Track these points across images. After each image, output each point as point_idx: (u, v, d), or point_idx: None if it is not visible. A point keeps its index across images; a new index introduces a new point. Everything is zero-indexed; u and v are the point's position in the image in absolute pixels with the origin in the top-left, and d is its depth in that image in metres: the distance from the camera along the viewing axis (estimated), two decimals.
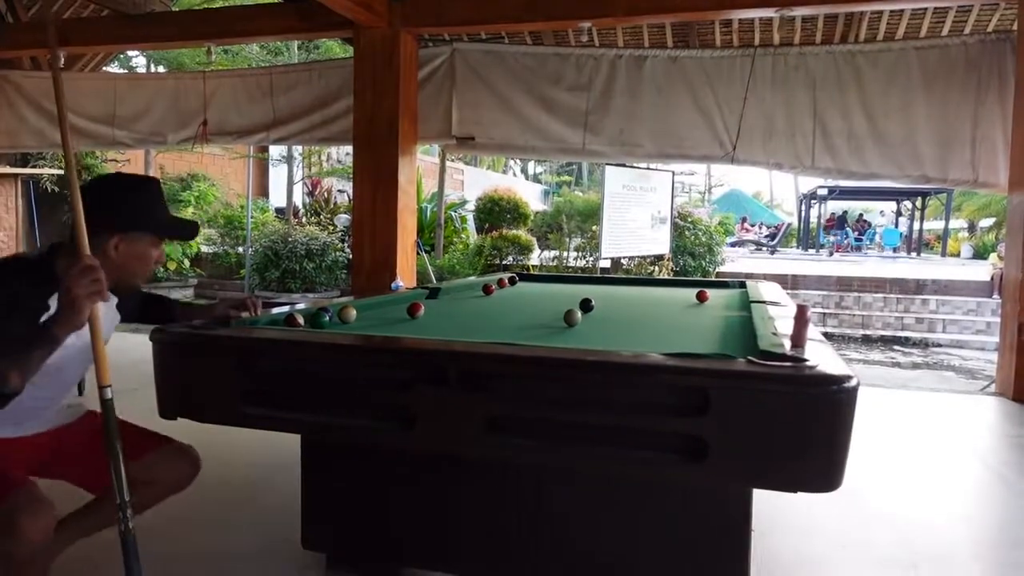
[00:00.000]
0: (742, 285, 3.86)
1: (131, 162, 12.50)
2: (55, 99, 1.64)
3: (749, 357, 1.63)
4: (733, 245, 19.60)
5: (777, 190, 39.76)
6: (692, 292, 3.42)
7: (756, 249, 21.08)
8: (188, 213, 12.87)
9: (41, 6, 7.29)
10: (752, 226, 24.27)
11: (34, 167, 11.37)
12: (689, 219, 11.72)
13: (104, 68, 9.11)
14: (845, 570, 2.47)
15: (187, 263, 11.53)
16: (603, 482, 2.00)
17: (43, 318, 1.62)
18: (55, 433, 1.93)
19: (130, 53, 15.33)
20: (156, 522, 2.11)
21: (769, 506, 2.50)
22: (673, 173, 10.80)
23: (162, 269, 10.79)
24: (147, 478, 1.90)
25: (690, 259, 11.15)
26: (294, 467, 2.29)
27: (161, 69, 13.72)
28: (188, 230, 1.95)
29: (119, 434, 1.60)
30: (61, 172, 11.63)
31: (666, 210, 10.50)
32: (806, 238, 22.81)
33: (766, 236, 22.56)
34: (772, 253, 19.80)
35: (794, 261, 15.63)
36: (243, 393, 1.88)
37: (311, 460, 2.28)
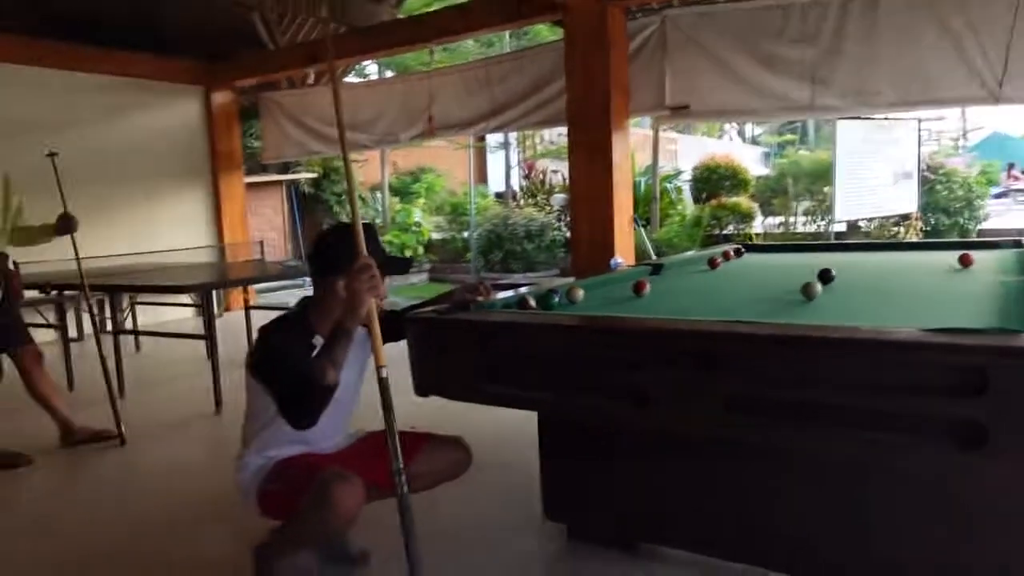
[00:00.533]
0: (1017, 244, 3.34)
1: (369, 161, 13.81)
2: (335, 110, 1.90)
3: None
4: (998, 196, 16.94)
5: None
6: (952, 256, 3.02)
7: None
8: (419, 204, 13.92)
9: (291, 33, 8.28)
10: (1023, 172, 20.78)
11: (293, 173, 13.02)
12: (941, 171, 10.32)
13: (344, 79, 10.14)
14: None
15: (420, 250, 12.52)
16: (850, 469, 1.86)
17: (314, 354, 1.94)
18: (346, 452, 2.23)
19: (364, 62, 16.86)
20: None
21: None
22: (919, 121, 9.56)
23: (401, 255, 11.83)
24: (423, 471, 2.14)
25: (944, 216, 9.82)
26: (534, 444, 2.41)
27: (389, 73, 14.93)
28: (401, 266, 2.17)
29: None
30: (315, 175, 13.22)
31: (911, 163, 9.33)
32: None
33: None
34: None
35: None
36: (484, 373, 2.02)
37: (549, 436, 2.39)
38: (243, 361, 2.12)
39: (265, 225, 12.47)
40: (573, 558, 2.32)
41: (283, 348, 1.99)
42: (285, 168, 12.99)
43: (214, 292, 5.56)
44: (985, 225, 10.19)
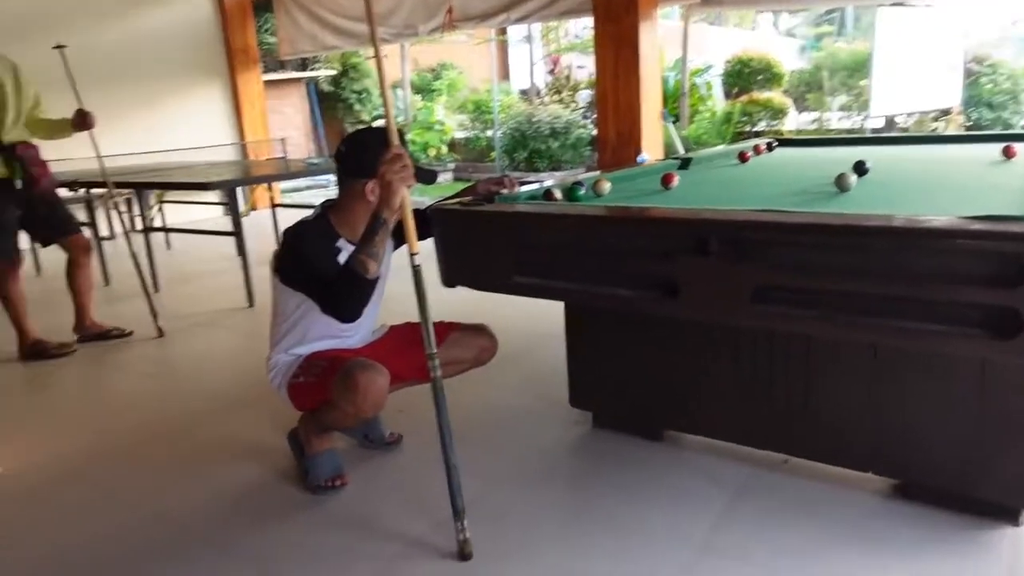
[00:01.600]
0: None
1: (388, 57, 13.43)
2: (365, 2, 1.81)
3: None
4: None
5: None
6: (995, 148, 2.91)
7: None
8: (441, 100, 13.61)
9: None
10: None
11: (312, 71, 12.72)
12: (987, 63, 9.80)
13: None
14: None
15: (444, 149, 12.35)
16: (887, 355, 1.87)
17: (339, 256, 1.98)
18: (371, 346, 2.28)
19: None
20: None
21: None
22: (967, 7, 9.00)
23: (423, 156, 11.68)
24: (449, 359, 2.19)
25: (987, 111, 9.41)
26: (560, 335, 2.45)
27: None
28: (428, 177, 2.11)
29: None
30: (334, 72, 12.89)
31: (955, 55, 8.85)
32: None
33: None
34: None
35: None
36: (512, 264, 2.02)
37: (574, 326, 2.42)
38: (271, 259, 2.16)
39: (286, 124, 12.33)
40: (598, 442, 2.40)
41: (312, 252, 2.03)
42: (303, 65, 12.70)
43: (239, 190, 5.57)
44: None
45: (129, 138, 6.70)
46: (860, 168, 2.43)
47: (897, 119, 9.00)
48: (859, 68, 10.15)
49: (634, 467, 2.22)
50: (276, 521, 2.05)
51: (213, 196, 5.90)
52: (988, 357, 1.67)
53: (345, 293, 1.91)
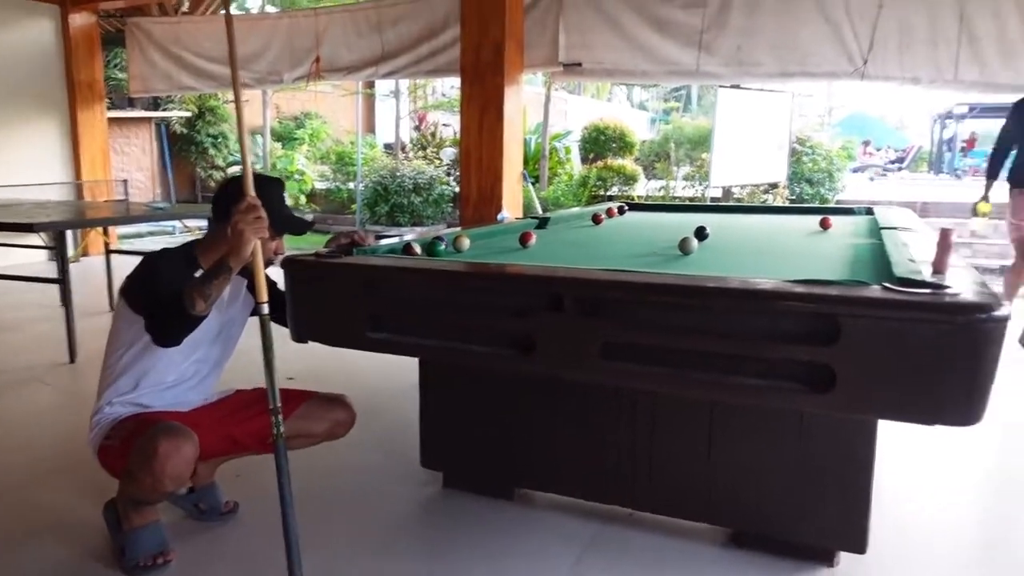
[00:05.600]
0: (869, 212, 3.63)
1: (249, 102, 13.04)
2: (227, 41, 1.76)
3: (884, 283, 1.54)
4: (856, 171, 18.35)
5: (905, 112, 36.52)
6: (813, 219, 3.24)
7: (882, 174, 19.64)
8: (302, 151, 13.34)
9: None
10: (877, 150, 22.57)
11: (164, 110, 12.08)
12: (807, 144, 11.02)
13: (221, 12, 9.45)
14: (964, 505, 2.36)
15: (303, 199, 12.03)
16: (720, 410, 1.98)
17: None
18: (210, 408, 2.11)
19: None
20: None
21: (892, 435, 2.41)
22: (792, 95, 10.11)
23: None
24: (299, 431, 2.08)
25: (807, 186, 10.51)
26: (414, 390, 2.40)
27: (274, 9, 14.07)
28: (300, 226, 2.10)
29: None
30: (189, 115, 12.30)
31: (783, 135, 9.88)
32: (939, 162, 20.97)
33: (893, 160, 20.92)
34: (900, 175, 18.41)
35: (924, 186, 14.46)
36: (366, 319, 1.97)
37: (429, 383, 2.38)
38: (102, 309, 1.98)
39: (132, 165, 11.57)
40: (449, 504, 2.34)
41: (165, 270, 1.92)
42: (155, 104, 12.05)
43: (70, 233, 5.10)
44: (842, 195, 11.01)
45: None
46: (701, 233, 2.61)
47: (733, 189, 9.85)
48: (702, 142, 11.07)
49: (486, 528, 2.18)
50: None
51: (38, 238, 5.37)
52: (807, 410, 1.81)
53: (166, 316, 1.82)
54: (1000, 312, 1.38)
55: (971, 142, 20.40)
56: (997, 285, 8.23)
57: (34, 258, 6.25)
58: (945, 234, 1.66)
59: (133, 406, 1.98)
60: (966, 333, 1.38)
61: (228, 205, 1.89)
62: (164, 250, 2.03)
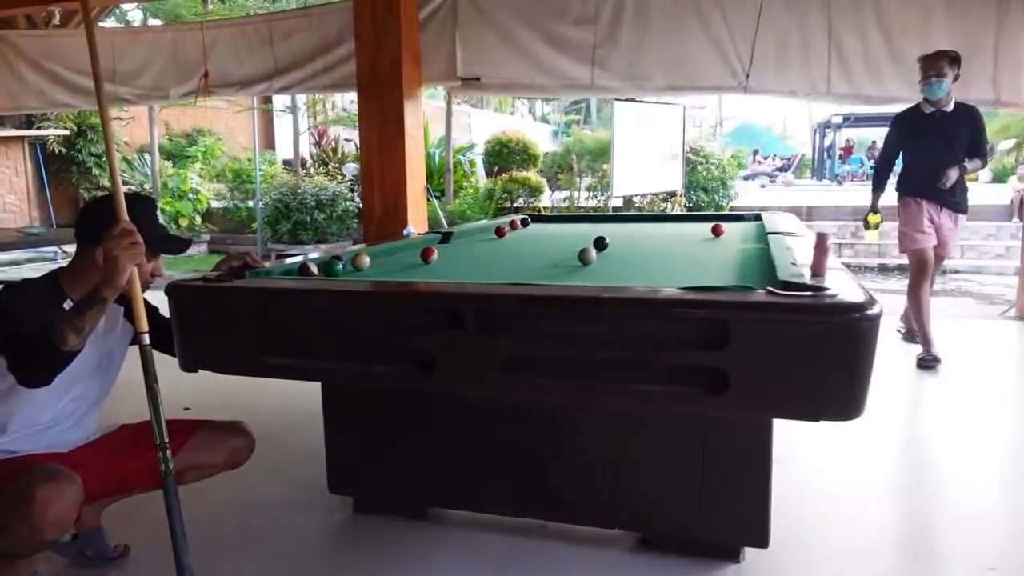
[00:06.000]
0: (758, 218, 3.81)
1: (135, 119, 12.39)
2: (90, 56, 1.65)
3: (768, 288, 1.61)
4: (746, 178, 19.32)
5: (790, 121, 38.86)
6: (707, 227, 3.37)
7: (770, 181, 20.77)
8: (196, 169, 12.79)
9: None
10: (765, 158, 23.86)
11: (39, 128, 11.30)
12: (701, 154, 11.52)
13: (99, 24, 8.95)
14: (857, 496, 2.49)
15: (198, 219, 11.52)
16: (622, 417, 2.02)
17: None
18: (92, 445, 1.97)
19: (125, 7, 15.03)
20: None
21: (787, 435, 2.52)
22: (684, 107, 10.56)
23: (174, 225, 10.79)
24: (194, 463, 1.97)
25: (703, 194, 11.00)
26: (318, 414, 2.32)
27: (158, 22, 13.46)
28: (178, 245, 2.01)
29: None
30: (67, 133, 11.56)
31: (677, 145, 10.30)
32: (820, 168, 22.37)
33: (779, 168, 22.17)
34: (787, 185, 19.51)
35: (809, 192, 15.39)
36: (260, 344, 1.88)
37: (333, 406, 2.31)
38: None
39: (3, 188, 10.75)
40: (360, 529, 2.28)
41: (22, 303, 1.75)
42: (29, 122, 11.26)
43: None
44: (736, 202, 11.56)
45: None
46: (600, 244, 2.66)
47: (634, 199, 10.16)
48: (603, 153, 11.36)
49: (400, 551, 2.13)
50: None
51: None
52: (706, 412, 1.87)
53: (34, 355, 1.64)
54: (873, 311, 1.47)
55: (848, 149, 21.90)
56: (876, 282, 8.84)
57: None
58: (821, 238, 1.75)
59: (2, 452, 1.82)
60: (843, 332, 1.46)
61: (95, 230, 1.77)
62: (24, 281, 1.88)
